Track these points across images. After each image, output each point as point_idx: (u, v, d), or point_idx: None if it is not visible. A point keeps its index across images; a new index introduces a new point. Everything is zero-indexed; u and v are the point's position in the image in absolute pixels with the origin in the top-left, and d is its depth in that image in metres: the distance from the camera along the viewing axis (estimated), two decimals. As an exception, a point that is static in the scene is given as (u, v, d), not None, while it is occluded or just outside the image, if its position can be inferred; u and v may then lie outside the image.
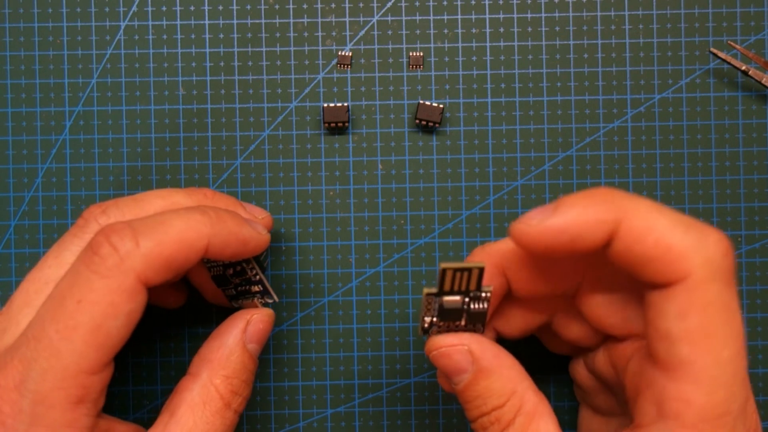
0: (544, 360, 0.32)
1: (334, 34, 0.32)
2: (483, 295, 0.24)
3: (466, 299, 0.24)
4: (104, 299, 0.22)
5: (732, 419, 0.21)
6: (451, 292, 0.24)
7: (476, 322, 0.24)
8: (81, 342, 0.22)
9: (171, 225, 0.23)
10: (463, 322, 0.24)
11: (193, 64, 0.32)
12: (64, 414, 0.22)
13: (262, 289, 0.28)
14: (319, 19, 0.32)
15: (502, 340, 0.29)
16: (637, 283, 0.22)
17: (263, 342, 0.27)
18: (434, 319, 0.25)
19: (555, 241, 0.21)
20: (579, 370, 0.29)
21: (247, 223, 0.26)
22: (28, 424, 0.22)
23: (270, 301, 0.28)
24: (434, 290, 0.24)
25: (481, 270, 0.23)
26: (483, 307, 0.24)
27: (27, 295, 0.24)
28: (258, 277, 0.28)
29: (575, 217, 0.21)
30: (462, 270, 0.23)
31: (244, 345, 0.26)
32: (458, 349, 0.24)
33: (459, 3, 0.32)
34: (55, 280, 0.24)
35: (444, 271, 0.23)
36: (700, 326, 0.20)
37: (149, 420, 0.31)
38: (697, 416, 0.20)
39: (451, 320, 0.24)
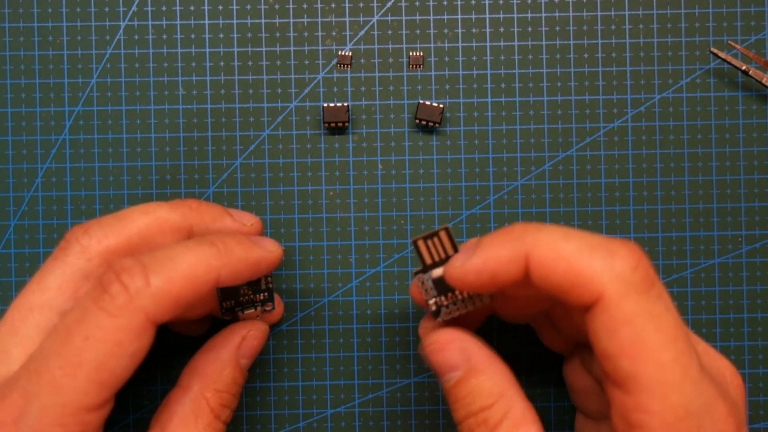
0: (544, 360, 0.32)
1: (334, 34, 0.32)
2: None
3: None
4: (111, 338, 0.22)
5: (697, 419, 0.21)
6: (435, 265, 0.25)
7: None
8: (84, 379, 0.22)
9: (181, 261, 0.23)
10: (465, 295, 0.25)
11: (193, 64, 0.32)
12: None
13: (266, 297, 0.28)
14: (319, 19, 0.32)
15: (502, 345, 0.29)
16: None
17: (254, 357, 0.27)
18: (438, 298, 0.25)
19: (478, 280, 0.23)
20: (572, 370, 0.29)
21: (256, 244, 0.26)
22: None
23: (268, 308, 0.28)
24: (419, 268, 0.25)
25: (447, 230, 0.25)
26: None
27: (13, 324, 0.24)
28: (270, 285, 0.28)
29: (489, 257, 0.23)
30: (431, 236, 0.25)
31: (238, 360, 0.26)
32: (452, 346, 0.24)
33: (459, 3, 0.32)
34: (39, 307, 0.24)
35: (416, 242, 0.25)
36: (631, 340, 0.21)
37: (149, 420, 0.31)
38: (659, 423, 0.21)
39: (452, 291, 0.25)
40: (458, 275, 0.23)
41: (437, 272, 0.25)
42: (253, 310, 0.28)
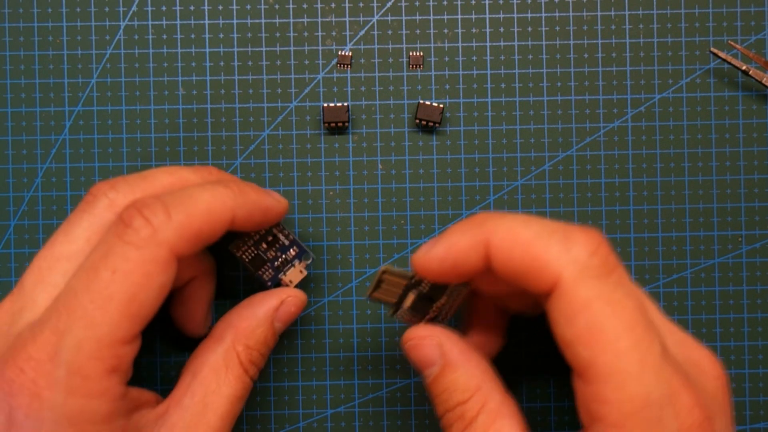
0: (544, 360, 0.32)
1: (334, 34, 0.32)
2: (414, 280, 0.26)
3: (415, 290, 0.26)
4: (139, 270, 0.22)
5: (657, 410, 0.21)
6: (401, 299, 0.26)
7: (442, 292, 0.26)
8: (116, 312, 0.22)
9: (199, 198, 0.24)
10: (444, 298, 0.26)
11: (193, 64, 0.32)
12: (100, 383, 0.22)
13: (298, 250, 0.29)
14: (319, 19, 0.32)
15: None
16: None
17: (289, 324, 0.28)
18: (426, 318, 0.27)
19: (441, 268, 0.24)
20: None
21: (267, 193, 0.27)
22: (64, 395, 0.21)
23: (308, 261, 0.29)
24: (391, 311, 0.27)
25: (385, 271, 0.26)
26: (426, 287, 0.26)
27: (39, 272, 0.24)
28: (291, 237, 0.29)
29: (450, 245, 0.23)
30: (378, 285, 0.26)
31: (272, 322, 0.27)
32: (428, 342, 0.25)
33: (459, 3, 0.32)
34: (67, 257, 0.24)
35: (371, 298, 0.26)
36: (587, 326, 0.21)
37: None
38: (617, 414, 0.20)
39: (431, 302, 0.26)
40: (422, 263, 0.24)
41: (408, 302, 0.26)
42: (294, 269, 0.29)
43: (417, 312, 0.27)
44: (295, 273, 0.29)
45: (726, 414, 0.23)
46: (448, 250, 0.23)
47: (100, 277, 0.22)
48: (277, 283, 0.29)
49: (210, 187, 0.25)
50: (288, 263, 0.29)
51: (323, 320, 0.32)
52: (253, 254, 0.28)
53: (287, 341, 0.32)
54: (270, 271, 0.29)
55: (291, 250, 0.29)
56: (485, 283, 0.26)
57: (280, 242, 0.29)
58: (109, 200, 0.25)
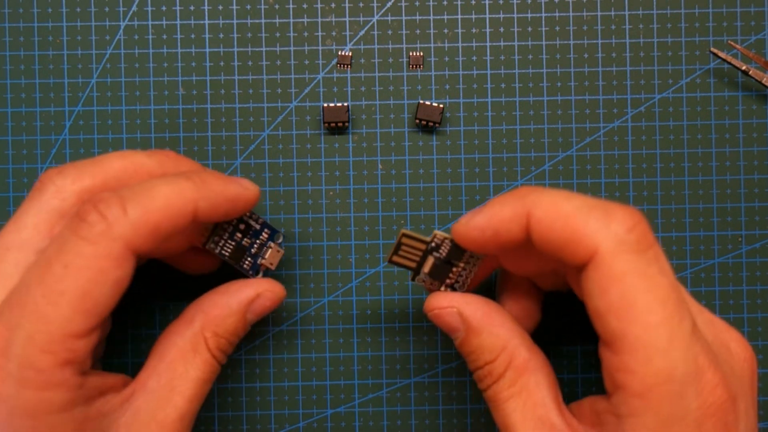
0: (550, 357, 0.32)
1: (334, 34, 0.32)
2: (434, 243, 0.26)
3: (434, 254, 0.27)
4: (92, 265, 0.22)
5: (679, 386, 0.21)
6: (420, 263, 0.27)
7: (460, 257, 0.27)
8: (68, 307, 0.22)
9: (157, 192, 0.23)
10: (461, 264, 0.27)
11: (193, 64, 0.32)
12: (53, 376, 0.22)
13: (270, 232, 0.28)
14: (319, 19, 0.32)
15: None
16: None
17: (263, 316, 0.27)
18: (445, 284, 0.27)
19: (482, 237, 0.24)
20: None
21: (233, 181, 0.26)
22: (17, 388, 0.22)
23: (280, 240, 0.28)
24: (411, 275, 0.27)
25: (404, 234, 0.26)
26: (445, 252, 0.27)
27: None
28: (261, 220, 0.28)
29: (492, 215, 0.24)
30: (397, 248, 0.26)
31: (245, 313, 0.27)
32: (448, 312, 0.26)
33: (459, 3, 0.32)
34: (17, 246, 0.24)
35: (391, 261, 0.27)
36: (620, 298, 0.21)
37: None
38: (640, 384, 0.21)
39: (450, 268, 0.27)
40: (463, 232, 0.25)
41: (427, 266, 0.27)
42: (271, 250, 0.28)
43: (436, 277, 0.27)
44: (273, 254, 0.28)
45: (751, 396, 0.23)
46: (489, 220, 0.24)
47: (53, 272, 0.22)
48: (257, 271, 0.28)
49: (170, 180, 0.24)
50: (263, 247, 0.28)
51: (323, 320, 0.32)
52: (231, 247, 0.28)
53: (287, 341, 0.32)
54: (249, 259, 0.28)
55: (263, 233, 0.28)
56: (513, 261, 0.27)
57: (253, 228, 0.28)
58: (56, 187, 0.25)
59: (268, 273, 0.29)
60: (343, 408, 0.32)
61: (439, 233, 0.27)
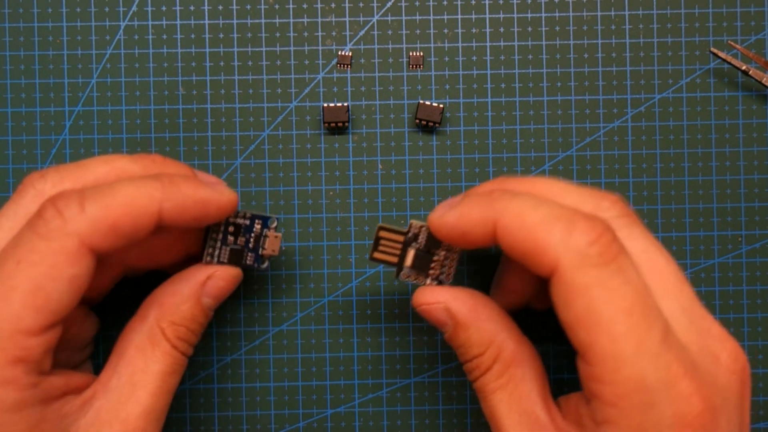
0: (545, 360, 0.32)
1: (334, 34, 0.32)
2: (411, 234, 0.27)
3: (413, 245, 0.27)
4: (45, 261, 0.22)
5: (651, 394, 0.21)
6: (402, 258, 0.27)
7: (439, 245, 0.27)
8: (18, 303, 0.22)
9: (119, 190, 0.23)
10: (442, 252, 0.27)
11: (193, 64, 0.32)
12: (2, 372, 0.22)
13: (262, 221, 0.28)
14: (319, 19, 0.32)
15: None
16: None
17: (221, 299, 0.27)
18: (429, 278, 0.27)
19: (451, 234, 0.25)
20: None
21: (206, 185, 0.25)
22: None
23: (275, 224, 0.28)
24: (395, 271, 0.27)
25: (381, 227, 0.27)
26: (423, 241, 0.27)
27: None
28: (249, 214, 0.28)
29: (461, 215, 0.24)
30: (376, 244, 0.27)
31: (199, 297, 0.26)
32: (435, 307, 0.26)
33: (459, 3, 0.32)
34: None
35: (372, 258, 0.27)
36: (585, 311, 0.22)
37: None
38: (611, 394, 0.21)
39: (431, 260, 0.27)
40: (436, 226, 0.25)
41: (408, 259, 0.27)
42: (269, 238, 0.28)
43: (419, 270, 0.27)
44: (272, 241, 0.28)
45: (737, 410, 0.23)
46: (458, 220, 0.24)
47: (5, 268, 0.22)
48: (262, 262, 0.28)
49: (136, 180, 0.24)
50: (260, 238, 0.28)
51: (323, 320, 0.32)
52: (227, 253, 0.28)
53: (287, 341, 0.32)
54: (250, 255, 0.28)
55: (255, 225, 0.28)
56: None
57: (242, 225, 0.28)
58: (35, 191, 0.25)
59: (275, 260, 0.28)
60: (343, 408, 0.32)
61: (416, 222, 0.27)
